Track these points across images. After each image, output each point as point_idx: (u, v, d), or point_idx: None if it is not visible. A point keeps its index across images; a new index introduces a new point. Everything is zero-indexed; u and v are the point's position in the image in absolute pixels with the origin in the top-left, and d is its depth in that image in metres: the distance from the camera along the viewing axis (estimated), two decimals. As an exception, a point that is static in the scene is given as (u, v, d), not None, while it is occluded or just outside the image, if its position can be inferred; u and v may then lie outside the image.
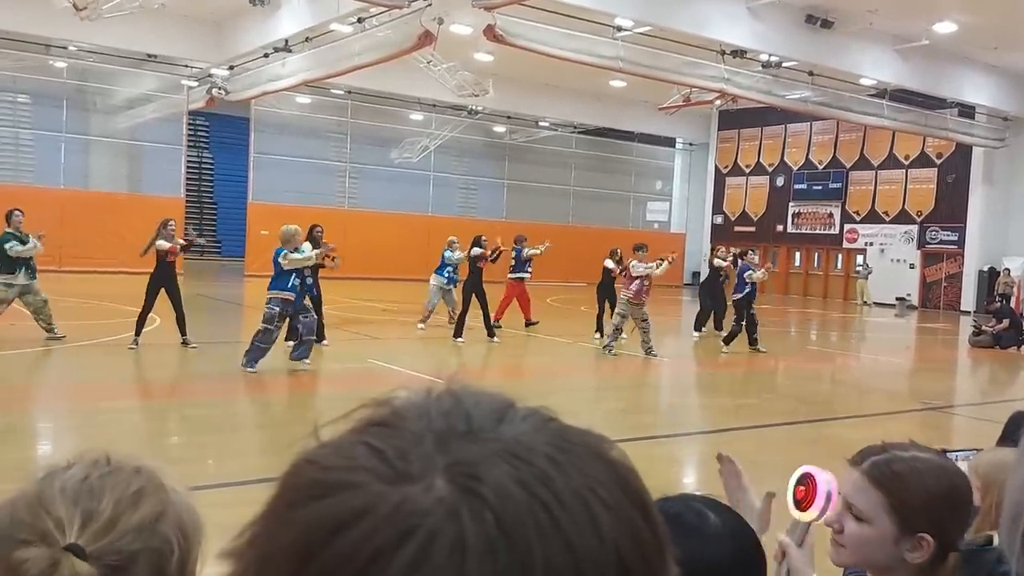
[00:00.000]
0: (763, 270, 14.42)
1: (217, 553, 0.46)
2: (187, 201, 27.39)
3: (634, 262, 12.55)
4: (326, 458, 0.43)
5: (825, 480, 1.50)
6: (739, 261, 14.89)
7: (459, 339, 13.26)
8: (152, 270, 11.11)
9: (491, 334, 13.64)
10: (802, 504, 1.52)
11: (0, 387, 8.67)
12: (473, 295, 13.43)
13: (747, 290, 13.82)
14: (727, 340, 13.89)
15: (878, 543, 1.50)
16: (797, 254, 31.65)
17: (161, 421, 7.95)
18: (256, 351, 9.74)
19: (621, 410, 9.55)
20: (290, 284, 9.84)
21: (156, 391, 9.38)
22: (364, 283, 23.66)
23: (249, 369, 9.68)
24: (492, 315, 14.09)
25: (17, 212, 11.27)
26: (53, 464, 0.84)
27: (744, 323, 13.79)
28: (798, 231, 31.44)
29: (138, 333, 10.79)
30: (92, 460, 0.84)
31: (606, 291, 14.80)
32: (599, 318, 14.70)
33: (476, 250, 13.74)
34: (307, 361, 10.04)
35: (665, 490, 1.29)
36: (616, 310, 12.90)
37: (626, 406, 9.92)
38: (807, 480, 1.52)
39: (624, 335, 13.31)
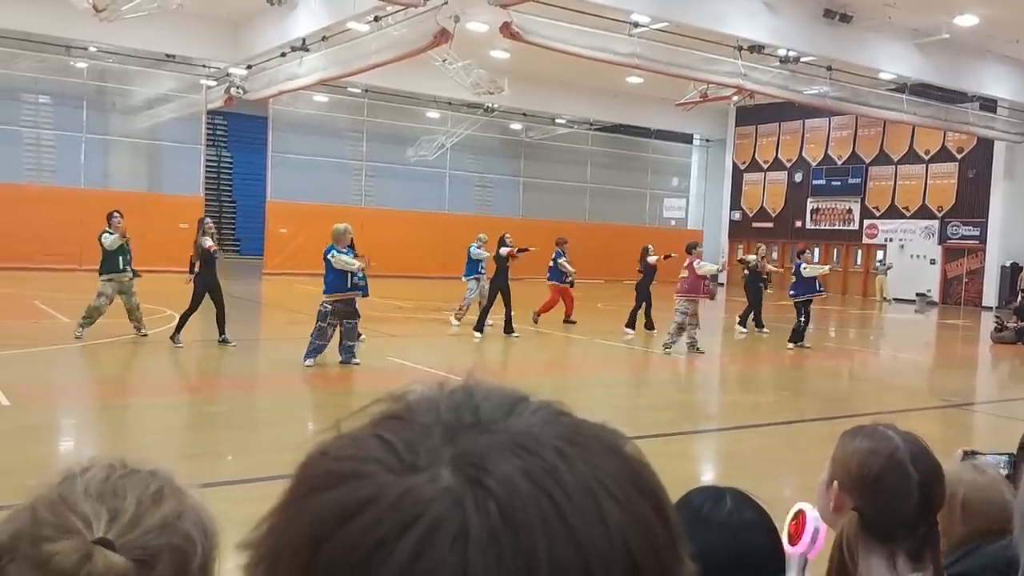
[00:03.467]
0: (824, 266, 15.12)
1: (236, 544, 0.47)
2: (206, 200, 27.57)
3: (697, 261, 12.88)
4: (338, 449, 0.44)
5: (814, 517, 1.55)
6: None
7: (479, 334, 13.46)
8: (198, 270, 11.28)
9: (510, 330, 13.71)
10: (792, 539, 1.58)
11: (25, 384, 8.77)
12: (499, 292, 13.67)
13: (805, 289, 14.29)
14: (792, 339, 14.29)
15: (821, 488, 1.69)
16: (816, 250, 31.43)
17: (180, 418, 8.01)
18: (314, 348, 10.11)
19: (638, 407, 9.54)
20: (349, 284, 10.15)
21: (175, 388, 9.45)
22: (380, 281, 23.69)
23: (308, 363, 10.02)
24: (538, 310, 15.16)
25: (116, 214, 11.49)
26: (68, 468, 0.84)
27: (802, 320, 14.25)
28: (817, 227, 31.25)
29: (179, 330, 11.01)
30: (108, 463, 0.85)
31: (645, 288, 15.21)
32: (635, 313, 15.08)
33: (504, 249, 13.93)
34: (356, 360, 10.30)
35: (680, 487, 1.30)
36: (677, 309, 12.94)
37: (644, 403, 9.91)
38: (799, 516, 1.58)
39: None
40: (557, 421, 0.45)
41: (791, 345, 14.18)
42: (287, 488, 0.45)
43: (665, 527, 0.44)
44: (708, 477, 6.72)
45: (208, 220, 11.75)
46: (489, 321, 14.15)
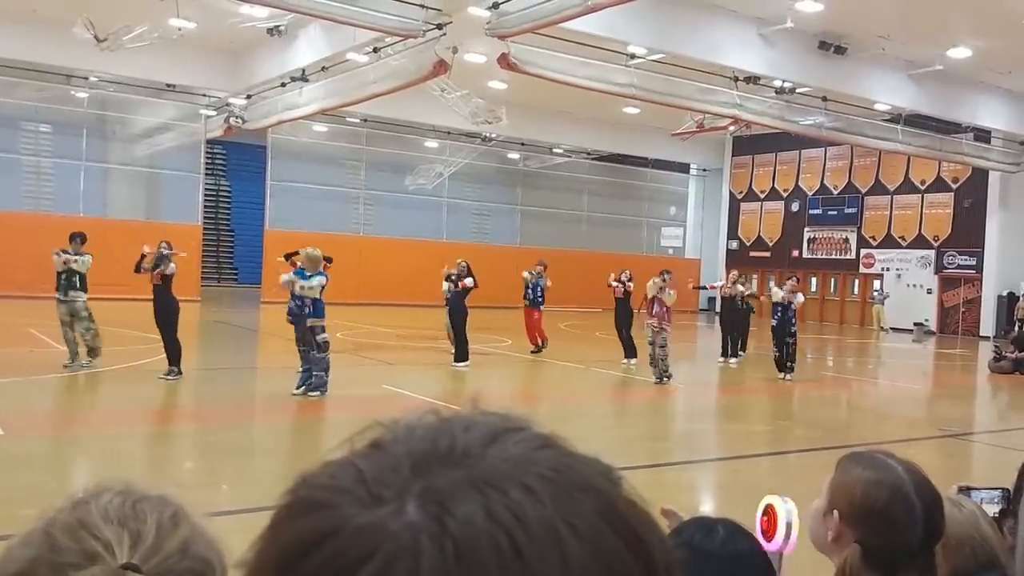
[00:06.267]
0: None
1: (232, 564, 0.48)
2: (204, 228, 27.62)
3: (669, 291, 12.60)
4: (316, 478, 0.45)
5: (785, 510, 1.51)
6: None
7: (459, 365, 13.32)
8: (154, 297, 10.91)
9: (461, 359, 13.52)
10: (766, 534, 1.54)
11: (20, 413, 8.72)
12: (452, 318, 13.58)
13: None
14: (779, 368, 13.95)
15: (817, 517, 1.64)
16: (813, 279, 31.50)
17: (176, 447, 7.97)
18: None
19: (636, 437, 9.49)
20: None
21: (171, 417, 9.40)
22: (378, 309, 23.74)
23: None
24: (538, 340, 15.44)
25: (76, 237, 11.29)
26: (76, 494, 0.83)
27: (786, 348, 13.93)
28: (814, 256, 31.33)
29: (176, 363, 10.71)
30: (120, 488, 0.85)
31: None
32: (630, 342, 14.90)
33: (470, 280, 13.62)
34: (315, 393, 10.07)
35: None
36: (662, 342, 12.53)
37: (641, 432, 9.86)
38: (768, 511, 1.54)
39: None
40: (535, 456, 0.45)
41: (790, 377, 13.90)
42: (273, 513, 0.46)
43: (643, 564, 0.43)
44: (705, 508, 6.67)
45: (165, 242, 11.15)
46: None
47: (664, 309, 12.45)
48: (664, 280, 12.51)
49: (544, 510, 0.41)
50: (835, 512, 1.61)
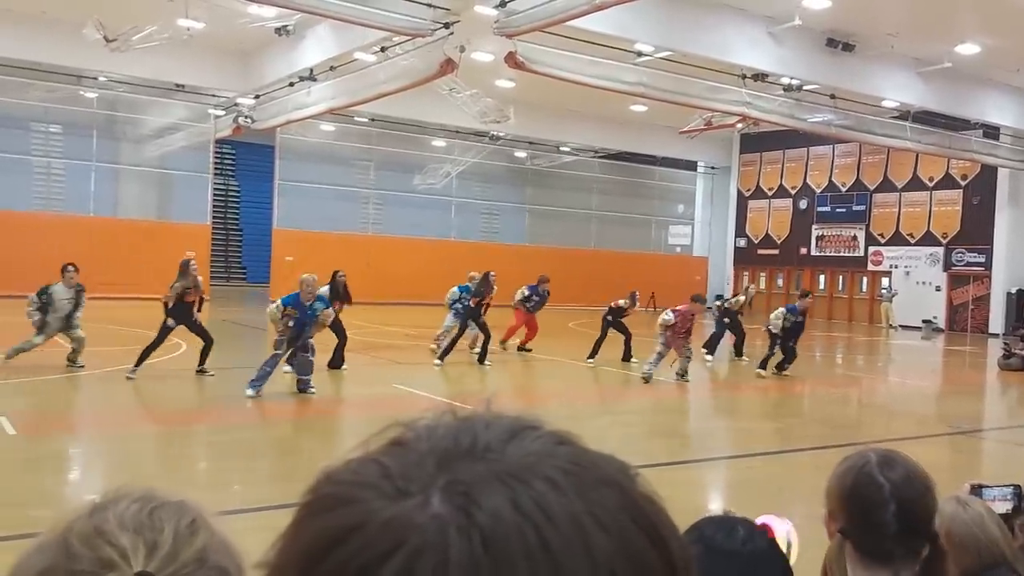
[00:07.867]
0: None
1: (252, 564, 0.49)
2: (213, 228, 27.73)
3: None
4: (340, 474, 0.46)
5: (784, 530, 1.53)
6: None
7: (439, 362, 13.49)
8: (171, 307, 10.84)
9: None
10: None
11: (29, 414, 8.78)
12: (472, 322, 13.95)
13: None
14: (763, 364, 13.90)
15: (823, 518, 1.71)
16: (821, 277, 31.43)
17: (188, 447, 8.01)
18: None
19: (647, 434, 9.50)
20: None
21: (182, 417, 9.45)
22: (388, 308, 23.76)
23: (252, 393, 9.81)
24: (503, 337, 15.31)
25: (70, 267, 11.30)
26: (95, 499, 0.83)
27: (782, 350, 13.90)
28: (822, 254, 31.25)
29: (139, 364, 10.56)
30: (139, 494, 0.84)
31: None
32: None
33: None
34: (312, 389, 10.11)
35: (690, 517, 1.31)
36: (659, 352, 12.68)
37: (652, 430, 9.87)
38: (765, 531, 1.55)
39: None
40: (555, 451, 0.46)
41: (763, 373, 13.79)
42: (296, 510, 0.47)
43: (664, 559, 0.44)
44: (716, 506, 6.68)
45: (193, 262, 11.21)
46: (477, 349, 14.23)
47: (671, 333, 12.43)
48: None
49: (569, 502, 0.42)
50: (826, 511, 1.68)
